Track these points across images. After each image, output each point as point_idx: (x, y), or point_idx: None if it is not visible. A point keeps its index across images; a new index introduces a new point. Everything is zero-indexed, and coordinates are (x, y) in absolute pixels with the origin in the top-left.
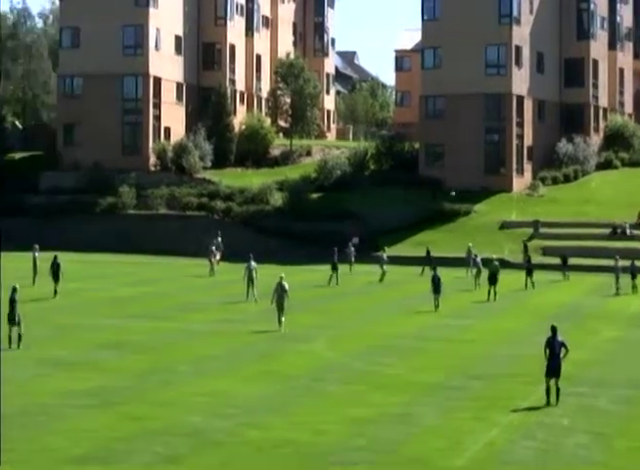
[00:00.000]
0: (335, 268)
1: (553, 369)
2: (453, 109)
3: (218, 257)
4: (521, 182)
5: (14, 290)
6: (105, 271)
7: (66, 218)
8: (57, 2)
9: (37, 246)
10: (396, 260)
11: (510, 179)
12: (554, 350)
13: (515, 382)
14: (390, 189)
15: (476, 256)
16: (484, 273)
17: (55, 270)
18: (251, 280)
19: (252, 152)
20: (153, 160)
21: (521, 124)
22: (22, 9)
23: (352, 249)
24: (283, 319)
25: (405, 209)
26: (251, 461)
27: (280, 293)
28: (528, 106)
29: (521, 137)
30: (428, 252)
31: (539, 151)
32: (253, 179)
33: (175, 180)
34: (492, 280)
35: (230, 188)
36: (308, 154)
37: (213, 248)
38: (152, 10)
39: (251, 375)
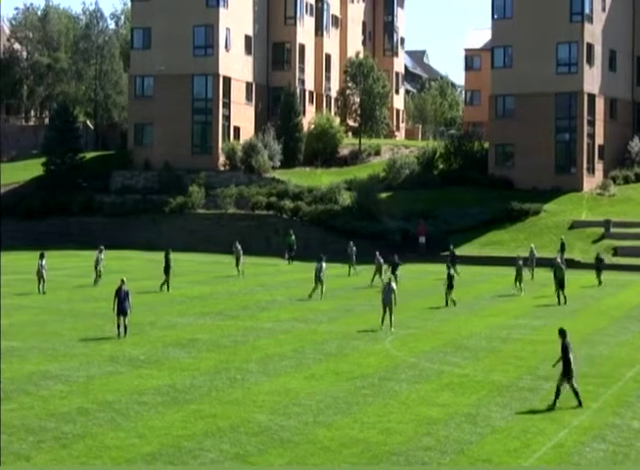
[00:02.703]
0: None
1: (569, 371)
2: (523, 108)
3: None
4: (592, 181)
5: (122, 282)
6: (175, 270)
7: (136, 218)
8: (128, 3)
9: (102, 247)
10: (465, 260)
11: (581, 179)
12: (567, 352)
13: (585, 383)
14: (459, 189)
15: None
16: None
17: (166, 266)
18: (319, 279)
19: (321, 151)
20: (222, 159)
21: (592, 123)
22: (94, 10)
23: (354, 249)
24: (393, 318)
25: (474, 208)
26: (317, 460)
27: (387, 293)
28: (600, 104)
29: (592, 136)
30: (452, 251)
31: (611, 150)
32: (322, 179)
33: (244, 180)
34: (561, 285)
35: (299, 187)
36: (377, 153)
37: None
38: (222, 10)
39: (320, 374)
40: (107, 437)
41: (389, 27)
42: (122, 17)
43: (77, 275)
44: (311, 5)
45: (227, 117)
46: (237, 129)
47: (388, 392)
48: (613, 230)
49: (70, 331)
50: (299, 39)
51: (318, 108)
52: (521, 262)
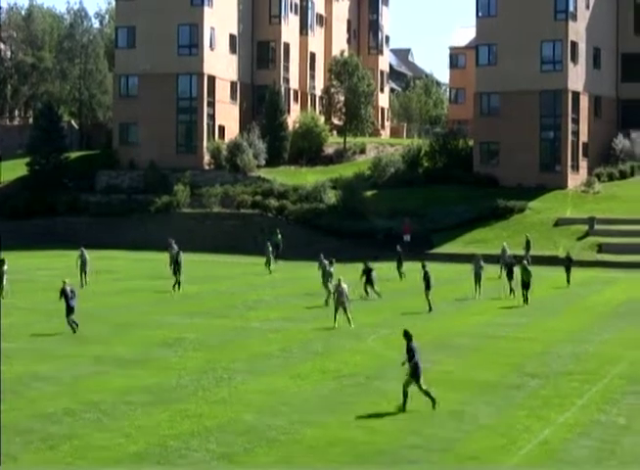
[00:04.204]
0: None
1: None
2: (508, 106)
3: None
4: (576, 179)
5: (64, 283)
6: (161, 270)
7: (121, 217)
8: (113, 2)
9: (83, 248)
10: (449, 258)
11: (565, 176)
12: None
13: (570, 380)
14: (444, 187)
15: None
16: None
17: (175, 264)
18: (326, 285)
19: (306, 150)
20: (207, 158)
21: (576, 121)
22: (78, 9)
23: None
24: (349, 316)
25: (459, 206)
26: (304, 459)
27: (339, 294)
28: (584, 102)
29: (576, 134)
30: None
31: (595, 147)
32: (308, 177)
33: (229, 179)
34: (525, 285)
35: (284, 186)
36: (362, 152)
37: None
38: (207, 9)
39: (307, 373)
40: (93, 437)
41: (374, 26)
42: (107, 16)
43: (64, 275)
44: (296, 4)
45: (212, 117)
46: (222, 128)
47: (374, 390)
48: (597, 227)
49: (57, 332)
50: (284, 38)
51: (303, 106)
52: (481, 263)
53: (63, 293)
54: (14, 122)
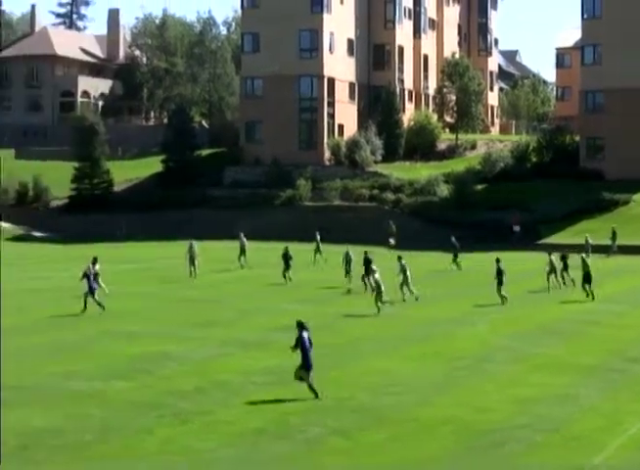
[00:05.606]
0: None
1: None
2: (613, 103)
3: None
4: None
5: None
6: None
7: (246, 210)
8: (239, 10)
9: (193, 241)
10: (556, 249)
11: None
12: (305, 344)
13: None
14: (551, 180)
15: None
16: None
17: (286, 259)
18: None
19: (420, 146)
20: (327, 154)
21: None
22: (207, 18)
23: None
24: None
25: (565, 199)
26: (415, 437)
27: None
28: None
29: None
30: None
31: None
32: (421, 172)
33: (348, 173)
34: (587, 279)
35: (400, 180)
36: (473, 147)
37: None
38: (326, 15)
39: (417, 356)
40: (220, 413)
41: (484, 29)
42: (233, 23)
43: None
44: (409, 9)
45: (331, 115)
46: (341, 126)
47: (483, 372)
48: None
49: (183, 317)
50: (399, 41)
51: (417, 105)
52: (553, 257)
53: (85, 275)
54: (149, 123)
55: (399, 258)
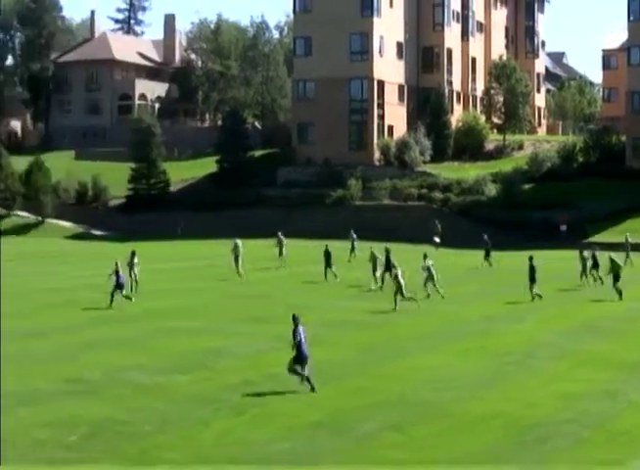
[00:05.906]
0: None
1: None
2: None
3: (438, 240)
4: None
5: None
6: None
7: (299, 209)
8: (291, 15)
9: (237, 240)
10: (603, 247)
11: None
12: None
13: None
14: (597, 180)
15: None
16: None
17: (327, 257)
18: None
19: (468, 146)
20: (377, 155)
21: None
22: (260, 22)
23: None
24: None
25: (611, 198)
26: (467, 431)
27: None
28: None
29: None
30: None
31: None
32: (469, 172)
33: (397, 173)
34: (616, 278)
35: (448, 180)
36: (520, 148)
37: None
38: (376, 19)
39: (466, 352)
40: (275, 406)
41: (530, 31)
42: (285, 27)
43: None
44: (458, 12)
45: (381, 117)
46: (390, 127)
47: (530, 368)
48: None
49: (235, 313)
50: (447, 44)
51: (465, 107)
52: (585, 254)
53: (116, 273)
54: (204, 124)
55: (425, 256)
